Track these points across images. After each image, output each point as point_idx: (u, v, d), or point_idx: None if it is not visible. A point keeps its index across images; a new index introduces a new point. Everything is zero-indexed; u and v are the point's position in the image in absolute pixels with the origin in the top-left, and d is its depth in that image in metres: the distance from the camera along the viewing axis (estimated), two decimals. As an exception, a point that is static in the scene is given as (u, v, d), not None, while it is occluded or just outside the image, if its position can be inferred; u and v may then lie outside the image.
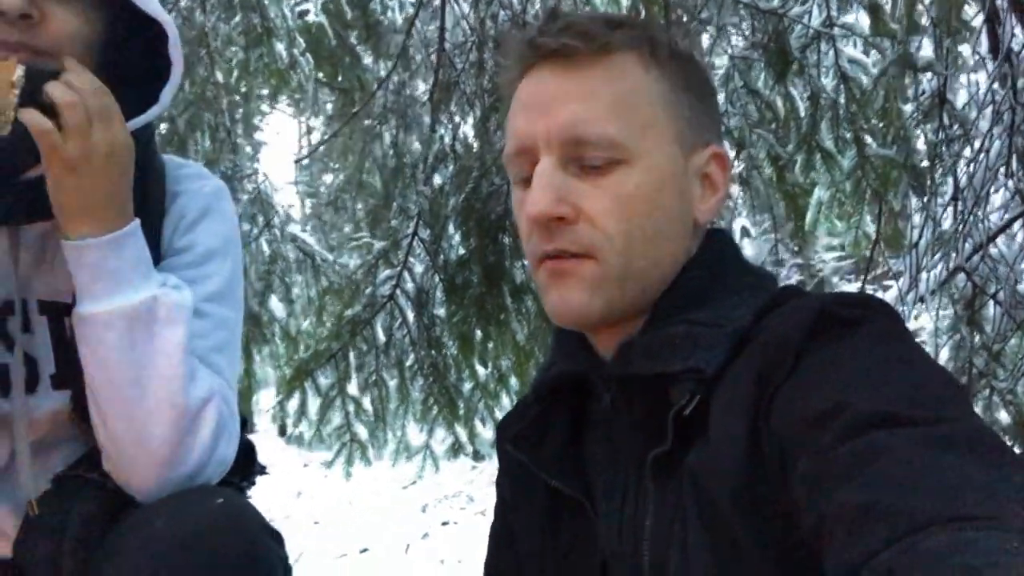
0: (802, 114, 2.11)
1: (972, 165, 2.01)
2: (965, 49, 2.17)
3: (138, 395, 0.96)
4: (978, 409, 2.19)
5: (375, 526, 5.57)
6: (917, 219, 2.09)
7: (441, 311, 2.77)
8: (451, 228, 2.67)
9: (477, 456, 3.95)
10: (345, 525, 5.58)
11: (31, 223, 1.01)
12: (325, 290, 2.92)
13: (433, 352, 2.81)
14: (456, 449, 2.96)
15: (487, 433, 2.95)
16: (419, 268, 2.78)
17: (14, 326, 1.01)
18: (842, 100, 2.05)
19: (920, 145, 2.10)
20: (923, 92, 2.06)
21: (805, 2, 2.16)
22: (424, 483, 5.58)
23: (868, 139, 2.05)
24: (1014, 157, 2.00)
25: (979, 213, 2.00)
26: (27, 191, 0.98)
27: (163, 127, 2.69)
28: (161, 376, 0.97)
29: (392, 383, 2.90)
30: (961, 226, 2.00)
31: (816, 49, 2.13)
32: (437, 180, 2.65)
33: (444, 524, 6.12)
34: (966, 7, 2.16)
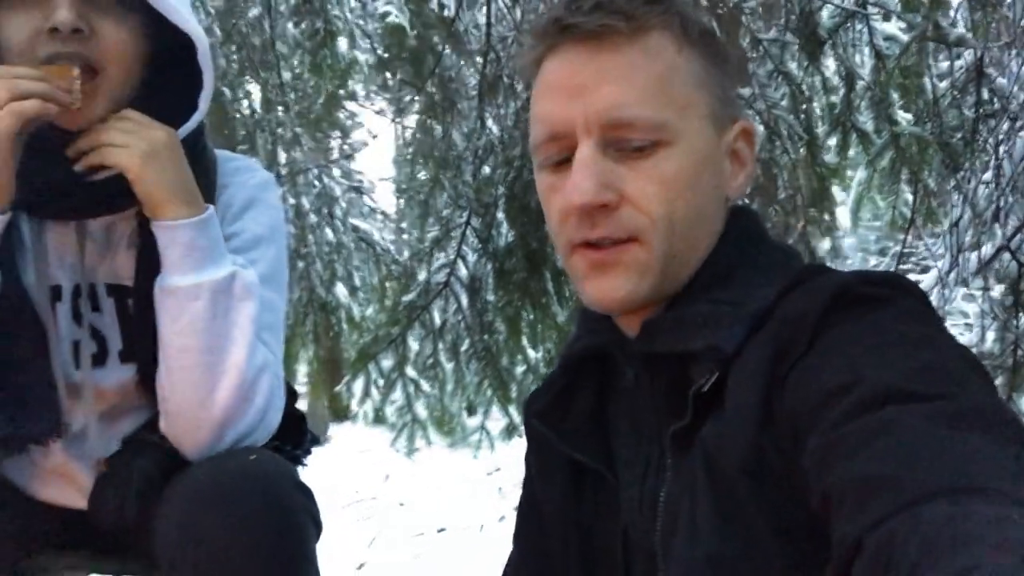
0: (835, 95, 2.09)
1: (1012, 140, 1.93)
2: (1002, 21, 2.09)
3: (212, 361, 1.05)
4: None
5: (455, 508, 5.73)
6: (956, 198, 2.03)
7: (492, 297, 2.86)
8: (500, 216, 2.75)
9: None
10: (427, 506, 5.77)
11: (96, 217, 1.13)
12: (385, 277, 3.06)
13: (486, 336, 2.91)
14: (510, 431, 3.06)
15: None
16: (472, 256, 2.89)
17: (84, 307, 1.13)
18: (872, 79, 2.01)
19: (956, 121, 2.03)
20: (960, 67, 2.00)
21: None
22: (507, 469, 5.70)
23: (902, 118, 2.01)
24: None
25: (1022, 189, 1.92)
26: (92, 190, 1.08)
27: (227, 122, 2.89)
28: (234, 345, 1.06)
29: (449, 366, 3.03)
30: (1002, 203, 1.93)
31: (849, 28, 2.09)
32: (485, 171, 2.74)
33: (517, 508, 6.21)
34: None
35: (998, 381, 1.96)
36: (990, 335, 2.12)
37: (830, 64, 2.14)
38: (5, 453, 1.10)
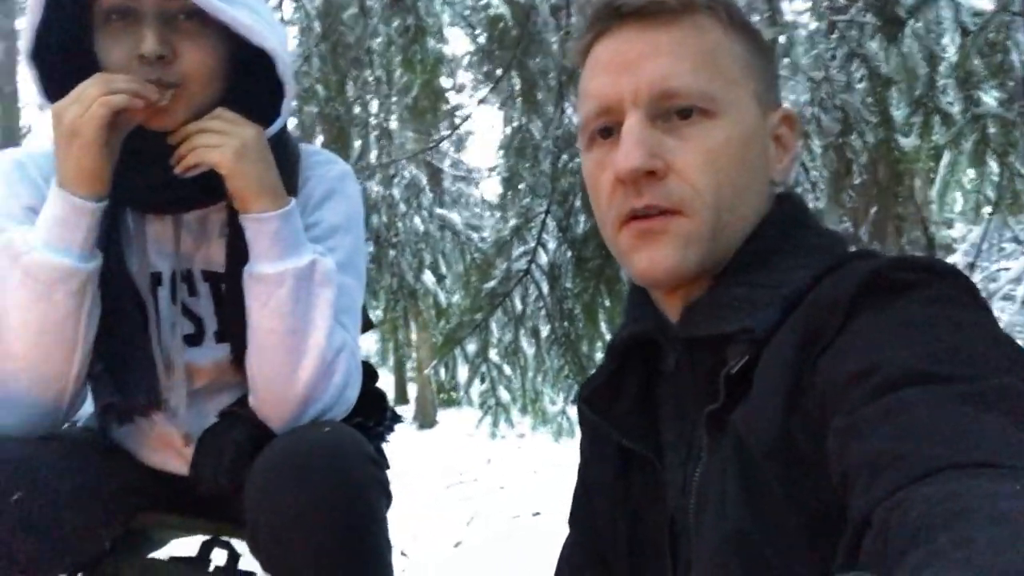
0: (915, 77, 1.99)
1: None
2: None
3: (295, 343, 1.13)
4: None
5: (551, 493, 5.83)
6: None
7: (570, 284, 2.90)
8: (577, 204, 2.78)
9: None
10: (524, 490, 5.87)
11: (190, 210, 1.22)
12: (469, 265, 3.15)
13: (566, 323, 2.96)
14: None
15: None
16: (552, 244, 2.94)
17: (181, 292, 1.23)
18: (957, 58, 1.91)
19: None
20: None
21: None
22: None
23: (989, 98, 1.90)
24: None
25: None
26: (187, 186, 1.17)
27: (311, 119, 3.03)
28: (315, 328, 1.13)
29: (530, 352, 3.10)
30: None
31: (932, 5, 1.99)
32: (564, 159, 2.78)
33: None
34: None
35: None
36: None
37: (910, 44, 2.04)
38: (112, 423, 1.21)
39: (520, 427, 3.55)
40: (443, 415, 12.72)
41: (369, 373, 1.34)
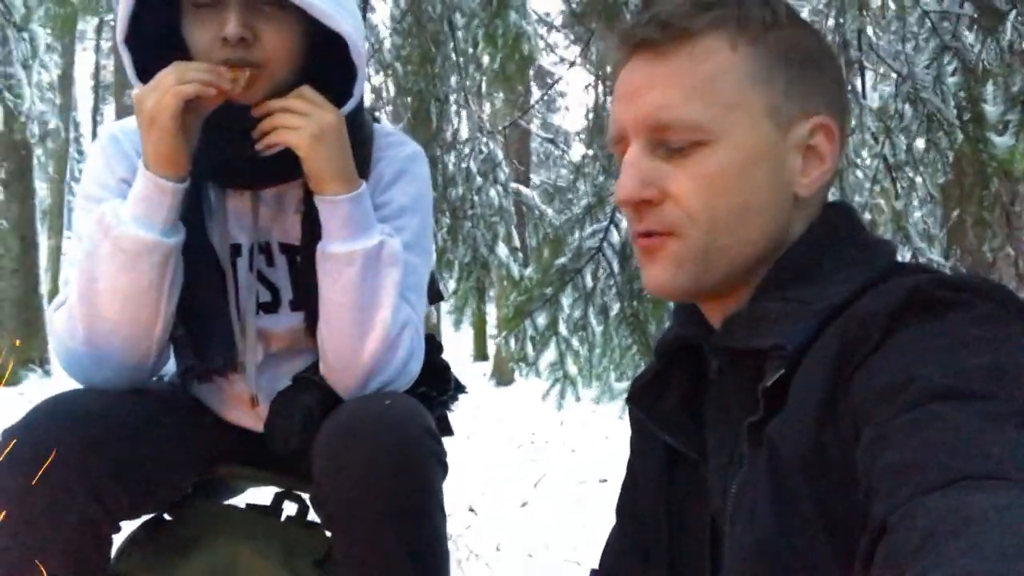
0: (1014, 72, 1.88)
1: None
2: None
3: (363, 318, 1.20)
4: None
5: (620, 460, 5.86)
6: None
7: (641, 264, 2.89)
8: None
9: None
10: (594, 455, 5.93)
11: (268, 187, 1.30)
12: (542, 240, 3.19)
13: (635, 303, 2.97)
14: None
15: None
16: (624, 223, 2.93)
17: (259, 262, 1.31)
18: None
19: None
20: None
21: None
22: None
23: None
24: None
25: None
26: (266, 164, 1.24)
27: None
28: (381, 304, 1.20)
29: (598, 329, 3.13)
30: None
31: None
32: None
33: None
34: None
35: None
36: None
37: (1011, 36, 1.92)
38: (193, 381, 1.31)
39: (586, 401, 3.60)
40: (520, 376, 12.83)
41: (434, 345, 1.42)
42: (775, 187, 0.80)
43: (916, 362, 0.61)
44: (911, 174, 2.08)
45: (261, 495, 1.43)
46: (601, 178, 2.89)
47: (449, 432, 1.50)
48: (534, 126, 11.04)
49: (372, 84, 3.18)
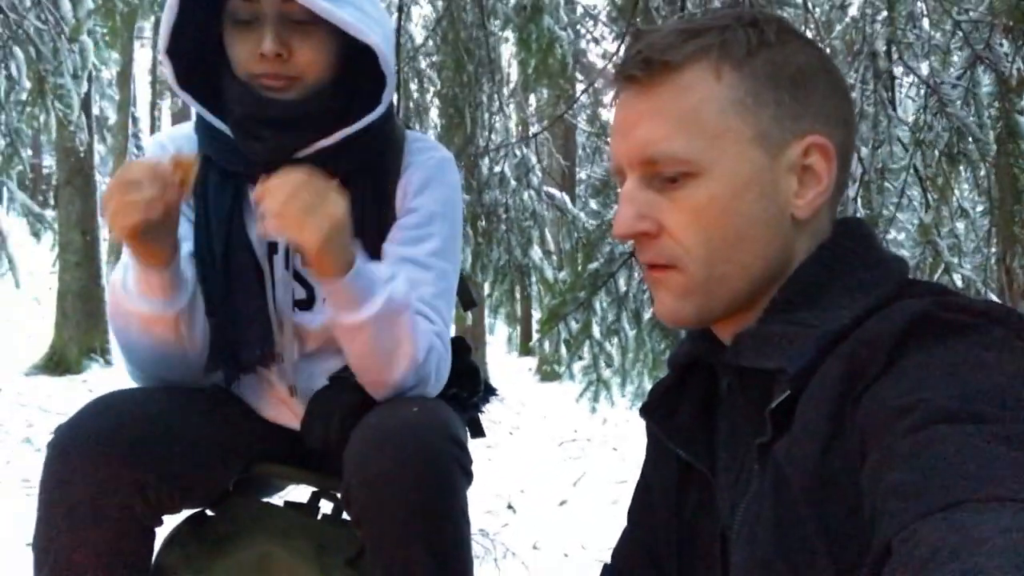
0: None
1: None
2: None
3: (386, 360, 1.23)
4: None
5: (661, 460, 5.84)
6: None
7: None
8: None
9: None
10: (636, 455, 5.91)
11: None
12: (576, 244, 3.20)
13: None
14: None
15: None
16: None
17: (295, 260, 1.33)
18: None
19: None
20: None
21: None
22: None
23: None
24: None
25: None
26: (300, 165, 1.21)
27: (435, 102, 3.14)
28: (401, 343, 1.23)
29: (631, 333, 3.13)
30: None
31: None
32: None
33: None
34: None
35: None
36: None
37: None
38: (233, 376, 1.36)
39: (620, 407, 3.60)
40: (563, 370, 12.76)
41: (464, 347, 1.46)
42: (770, 212, 0.80)
43: (923, 385, 0.61)
44: (943, 186, 2.03)
45: (299, 492, 1.48)
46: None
47: (481, 434, 1.53)
48: (580, 120, 10.97)
49: (408, 89, 3.24)
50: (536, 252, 3.39)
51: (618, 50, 3.39)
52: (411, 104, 3.35)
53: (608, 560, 1.05)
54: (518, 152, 3.31)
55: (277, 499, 1.51)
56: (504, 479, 5.07)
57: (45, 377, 9.06)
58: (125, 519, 1.17)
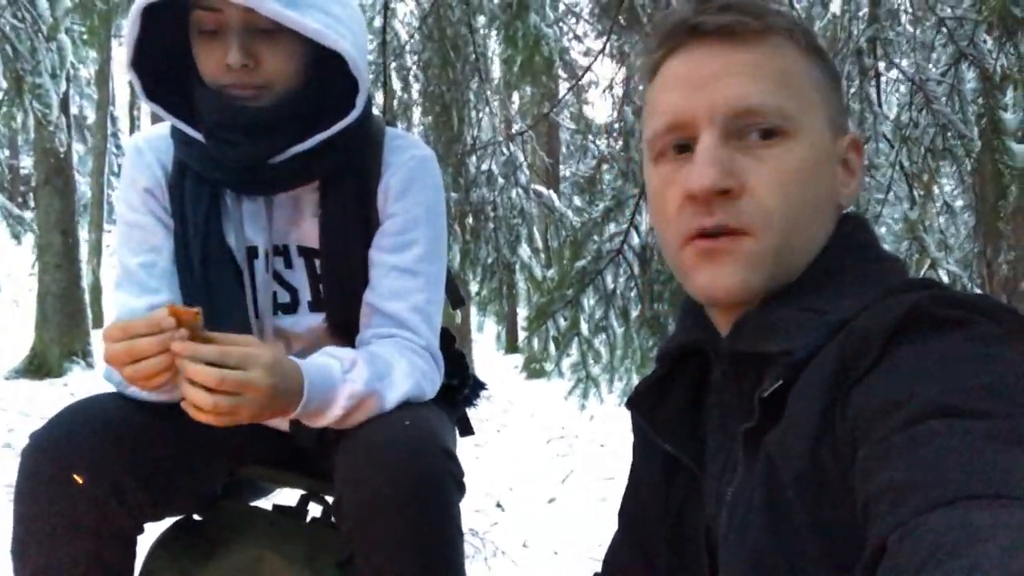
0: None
1: None
2: None
3: (379, 408, 1.21)
4: None
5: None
6: None
7: (660, 267, 2.91)
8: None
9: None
10: (624, 451, 5.90)
11: (278, 193, 1.31)
12: (563, 241, 3.21)
13: (656, 305, 2.98)
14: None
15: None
16: (644, 226, 2.95)
17: (275, 264, 1.33)
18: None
19: None
20: None
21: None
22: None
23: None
24: None
25: None
26: (277, 170, 1.26)
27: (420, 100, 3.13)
28: (390, 390, 1.22)
29: (619, 331, 3.14)
30: None
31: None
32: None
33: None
34: None
35: None
36: None
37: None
38: None
39: (610, 404, 3.62)
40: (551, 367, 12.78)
41: (449, 337, 1.45)
42: (831, 192, 0.82)
43: (915, 379, 0.61)
44: (928, 182, 2.05)
45: (288, 495, 1.47)
46: (619, 181, 2.88)
47: (470, 432, 1.52)
48: (564, 118, 10.98)
49: (394, 88, 3.23)
50: (524, 250, 3.39)
51: (604, 47, 3.42)
52: (395, 103, 3.34)
53: (599, 562, 1.04)
54: (505, 150, 3.31)
55: (265, 502, 1.50)
56: (493, 477, 5.07)
57: (26, 381, 8.95)
58: (103, 528, 1.15)
